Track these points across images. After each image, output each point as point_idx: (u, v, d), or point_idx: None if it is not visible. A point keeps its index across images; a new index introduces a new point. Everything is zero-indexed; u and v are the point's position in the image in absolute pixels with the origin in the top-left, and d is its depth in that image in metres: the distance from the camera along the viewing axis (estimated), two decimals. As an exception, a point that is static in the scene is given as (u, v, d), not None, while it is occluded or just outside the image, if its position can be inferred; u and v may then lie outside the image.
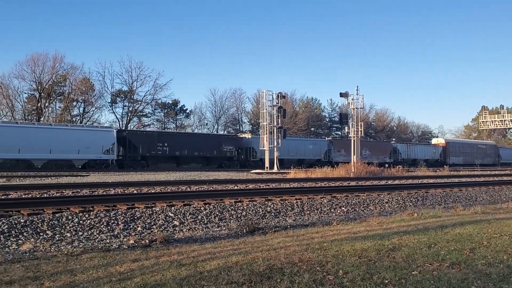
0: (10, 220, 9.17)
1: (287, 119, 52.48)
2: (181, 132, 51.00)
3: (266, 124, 36.83)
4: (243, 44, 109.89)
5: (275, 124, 36.95)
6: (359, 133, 35.30)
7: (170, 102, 64.53)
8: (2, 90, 51.13)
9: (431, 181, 25.13)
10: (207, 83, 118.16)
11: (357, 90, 35.00)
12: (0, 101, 50.92)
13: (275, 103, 37.22)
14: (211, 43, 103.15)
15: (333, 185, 20.69)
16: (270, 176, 29.83)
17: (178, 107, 66.85)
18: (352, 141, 35.27)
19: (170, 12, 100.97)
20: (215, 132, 62.40)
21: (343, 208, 13.61)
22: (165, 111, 64.89)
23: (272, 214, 12.06)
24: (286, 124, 53.02)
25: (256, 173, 33.76)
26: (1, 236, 8.38)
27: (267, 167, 36.75)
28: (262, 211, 12.14)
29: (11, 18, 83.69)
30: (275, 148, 36.55)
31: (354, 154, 34.42)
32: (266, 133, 36.74)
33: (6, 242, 8.09)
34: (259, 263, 6.03)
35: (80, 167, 35.56)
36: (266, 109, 37.16)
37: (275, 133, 36.80)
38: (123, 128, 53.41)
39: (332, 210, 13.26)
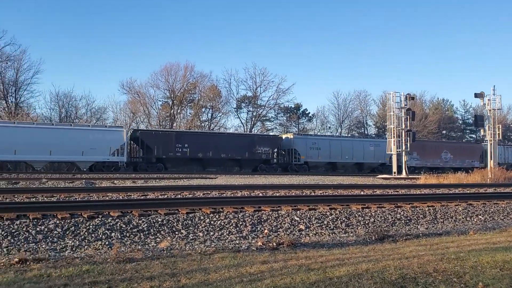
0: (149, 219, 9.84)
1: (416, 121, 49.12)
2: (205, 132, 45.04)
3: (393, 127, 35.58)
4: (367, 45, 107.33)
5: (403, 127, 35.56)
6: (497, 136, 32.74)
7: (293, 106, 65.20)
8: (140, 98, 55.47)
9: None
10: (330, 86, 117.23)
11: (493, 90, 32.59)
12: (138, 108, 55.24)
13: (403, 105, 35.84)
14: (333, 45, 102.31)
15: (468, 191, 19.38)
16: (398, 181, 28.77)
17: (300, 111, 67.27)
18: (488, 144, 32.85)
19: (291, 17, 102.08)
20: (248, 132, 57.02)
21: (480, 217, 12.67)
22: (288, 115, 65.65)
23: (402, 221, 11.57)
24: (415, 127, 50.13)
25: (383, 178, 32.80)
26: (142, 234, 9.02)
27: (394, 172, 35.49)
28: (391, 218, 11.71)
29: (147, 31, 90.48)
30: (403, 153, 35.20)
31: (491, 159, 32.03)
32: (394, 137, 35.48)
33: (146, 240, 8.69)
34: (391, 271, 5.81)
35: (85, 169, 33.25)
36: (393, 112, 35.92)
37: (403, 136, 35.41)
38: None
39: (468, 219, 12.40)
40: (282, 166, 41.56)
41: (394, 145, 35.35)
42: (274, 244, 8.15)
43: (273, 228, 10.07)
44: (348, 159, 42.49)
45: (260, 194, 15.86)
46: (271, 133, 52.49)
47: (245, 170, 39.23)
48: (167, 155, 36.36)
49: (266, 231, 9.82)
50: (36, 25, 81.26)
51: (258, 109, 61.94)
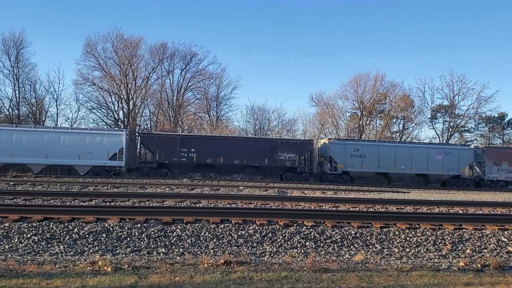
0: (342, 230, 9.84)
1: None
2: (214, 136, 39.40)
3: None
4: None
5: None
6: None
7: (496, 115, 59.46)
8: (328, 110, 56.30)
9: None
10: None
11: None
12: (326, 120, 56.07)
13: None
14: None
15: None
16: None
17: (505, 120, 61.02)
18: None
19: (492, 19, 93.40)
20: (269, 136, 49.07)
21: None
22: (490, 125, 60.08)
23: None
24: None
25: None
26: (335, 245, 9.05)
27: None
28: None
29: (331, 44, 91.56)
30: None
31: None
32: None
33: (340, 251, 8.68)
34: None
35: (83, 173, 32.19)
36: None
37: None
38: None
39: None
40: (316, 176, 36.32)
41: None
42: (479, 265, 7.49)
43: (476, 248, 9.25)
44: (405, 169, 35.06)
45: (460, 211, 14.75)
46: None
47: (269, 178, 35.30)
48: (171, 160, 34.11)
49: (468, 250, 9.06)
50: (235, 44, 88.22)
51: (456, 119, 57.90)
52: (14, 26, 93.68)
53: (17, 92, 47.49)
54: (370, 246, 9.07)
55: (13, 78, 47.49)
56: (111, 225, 9.48)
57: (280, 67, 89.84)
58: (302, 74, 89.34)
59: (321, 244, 9.03)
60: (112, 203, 14.21)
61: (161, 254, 7.98)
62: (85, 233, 8.97)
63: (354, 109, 57.46)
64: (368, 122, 56.67)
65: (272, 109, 57.11)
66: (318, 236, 9.41)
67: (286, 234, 9.40)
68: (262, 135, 48.41)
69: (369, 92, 55.52)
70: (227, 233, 9.31)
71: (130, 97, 50.31)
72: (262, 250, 8.45)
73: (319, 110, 57.64)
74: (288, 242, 9.00)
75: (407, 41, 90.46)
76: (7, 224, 9.27)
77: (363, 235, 9.64)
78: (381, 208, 15.19)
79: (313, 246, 8.88)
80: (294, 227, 9.85)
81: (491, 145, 43.20)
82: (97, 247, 8.30)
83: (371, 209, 14.63)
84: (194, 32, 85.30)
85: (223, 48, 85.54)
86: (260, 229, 9.62)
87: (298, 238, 9.23)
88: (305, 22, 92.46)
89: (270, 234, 9.37)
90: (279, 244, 8.90)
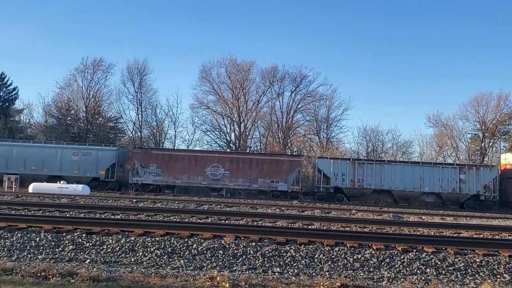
0: (466, 258, 9.22)
1: None
2: None
3: None
4: None
5: None
6: None
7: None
8: (447, 131, 53.48)
9: None
10: None
11: None
12: (445, 142, 53.25)
13: None
14: None
15: None
16: None
17: None
18: None
19: None
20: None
21: None
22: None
23: None
24: None
25: None
26: (458, 273, 8.48)
27: None
28: None
29: (454, 63, 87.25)
30: None
31: None
32: None
33: (464, 280, 8.13)
34: None
35: None
36: None
37: None
38: None
39: None
40: None
41: None
42: None
43: None
44: (37, 170, 33.72)
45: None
46: None
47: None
48: None
49: None
50: (346, 64, 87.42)
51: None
52: (138, 54, 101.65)
53: (140, 115, 51.27)
54: (498, 276, 8.39)
55: (137, 103, 51.37)
56: (227, 242, 9.73)
57: (394, 86, 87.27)
58: (417, 93, 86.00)
59: (443, 272, 8.51)
60: (227, 221, 14.61)
61: (276, 274, 8.02)
62: (203, 249, 9.29)
63: (475, 131, 54.12)
64: (491, 144, 53.06)
65: (386, 130, 55.00)
66: (439, 263, 8.89)
67: (405, 259, 8.99)
68: (376, 157, 47.15)
69: (492, 112, 51.99)
70: (342, 256, 9.13)
71: (242, 120, 51.80)
72: (380, 276, 8.14)
73: (437, 132, 54.96)
74: (407, 268, 8.59)
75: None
76: (132, 238, 9.88)
77: (490, 263, 8.95)
78: (509, 235, 14.04)
79: (435, 273, 8.39)
80: (414, 253, 9.40)
81: (140, 147, 40.16)
82: (214, 263, 8.55)
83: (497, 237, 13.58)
84: (305, 54, 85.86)
85: (335, 68, 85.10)
86: (377, 253, 9.30)
87: (418, 264, 8.79)
88: (420, 38, 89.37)
89: (388, 259, 9.01)
90: (397, 269, 8.53)
